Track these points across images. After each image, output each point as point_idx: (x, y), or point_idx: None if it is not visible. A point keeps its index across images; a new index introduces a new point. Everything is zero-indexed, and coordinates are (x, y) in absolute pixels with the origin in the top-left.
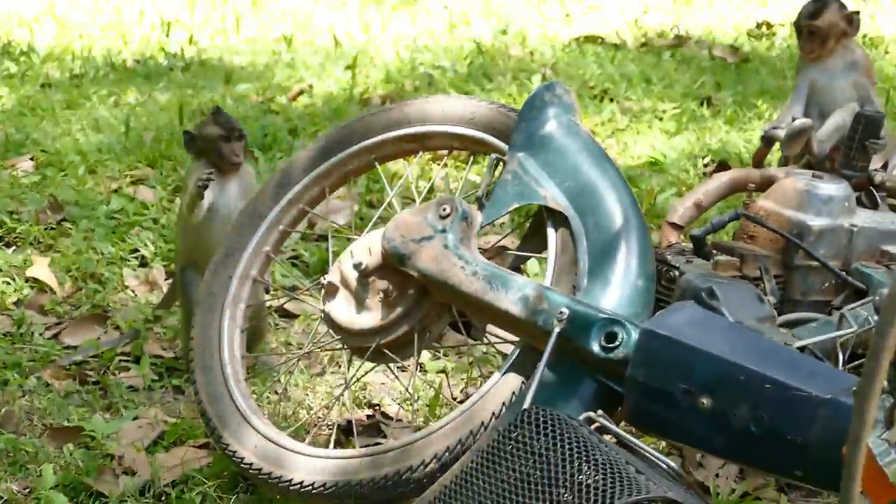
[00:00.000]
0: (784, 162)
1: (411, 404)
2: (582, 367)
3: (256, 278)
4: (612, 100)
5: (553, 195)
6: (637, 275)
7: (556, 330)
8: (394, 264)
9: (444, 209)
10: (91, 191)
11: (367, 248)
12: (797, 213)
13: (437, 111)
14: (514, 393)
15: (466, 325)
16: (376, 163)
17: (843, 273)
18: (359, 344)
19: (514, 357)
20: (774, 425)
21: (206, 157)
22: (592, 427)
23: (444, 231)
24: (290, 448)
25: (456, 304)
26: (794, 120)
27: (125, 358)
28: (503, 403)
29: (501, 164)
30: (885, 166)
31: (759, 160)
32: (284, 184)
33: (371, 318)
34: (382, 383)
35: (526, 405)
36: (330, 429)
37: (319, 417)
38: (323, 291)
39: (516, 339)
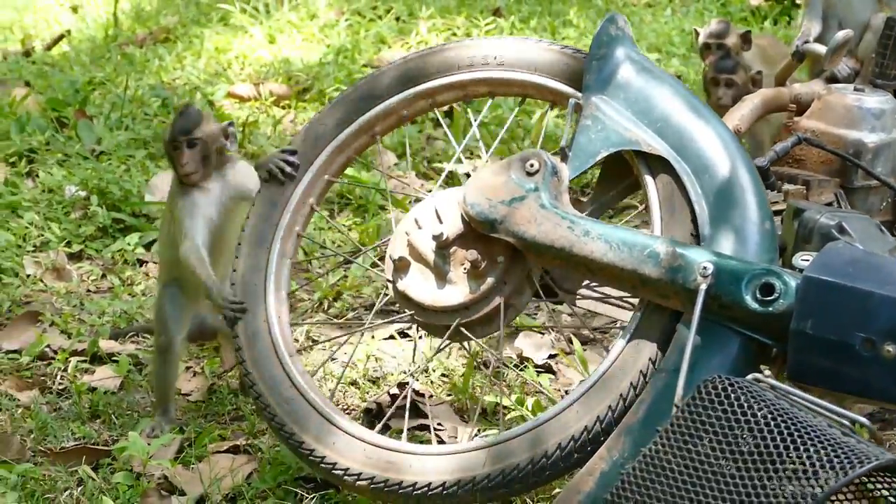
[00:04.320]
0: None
1: (501, 384)
2: (727, 324)
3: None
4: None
5: (645, 138)
6: (762, 217)
7: (703, 287)
8: (481, 231)
9: (531, 165)
10: None
11: (433, 215)
12: (850, 131)
13: (495, 54)
14: (650, 359)
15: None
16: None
17: None
18: (438, 321)
19: (638, 320)
20: None
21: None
22: None
23: (535, 189)
24: (395, 448)
25: (563, 269)
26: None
27: (81, 359)
28: (640, 373)
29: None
30: None
31: (785, 77)
32: (322, 134)
33: (458, 292)
34: (393, 356)
35: (683, 372)
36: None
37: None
38: (392, 267)
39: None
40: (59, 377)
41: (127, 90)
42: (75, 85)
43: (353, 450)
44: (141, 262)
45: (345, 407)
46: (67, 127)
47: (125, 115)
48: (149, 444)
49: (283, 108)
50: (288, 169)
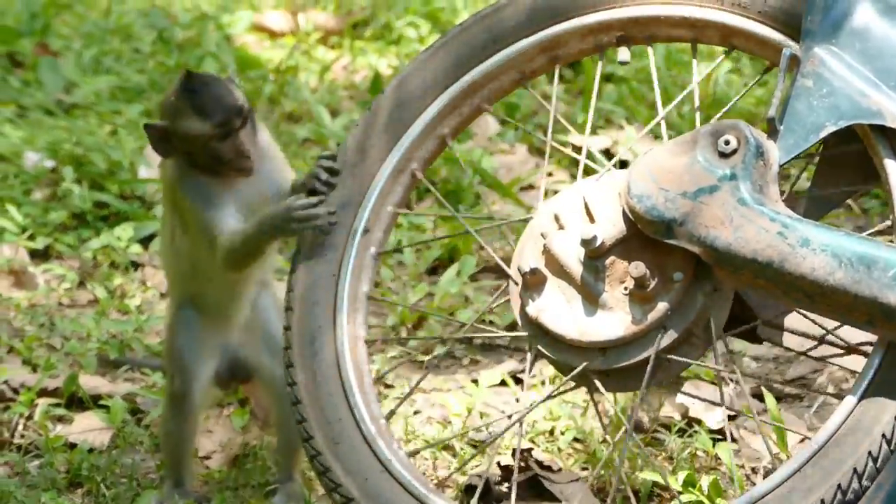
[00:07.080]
0: None
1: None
2: None
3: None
4: None
5: (892, 108)
6: None
7: None
8: (651, 235)
9: (727, 142)
10: None
11: (579, 211)
12: None
13: None
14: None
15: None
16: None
17: None
18: (587, 363)
19: (875, 368)
20: None
21: (195, 159)
22: None
23: (732, 177)
24: None
25: (766, 292)
26: None
27: (54, 401)
28: (884, 437)
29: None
30: None
31: None
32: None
33: (617, 321)
34: (503, 411)
35: None
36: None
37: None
38: (520, 284)
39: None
40: (21, 427)
41: (108, 17)
42: (31, 6)
43: None
44: (136, 266)
45: (435, 481)
46: (23, 67)
47: (105, 53)
48: None
49: (332, 47)
50: (325, 177)
